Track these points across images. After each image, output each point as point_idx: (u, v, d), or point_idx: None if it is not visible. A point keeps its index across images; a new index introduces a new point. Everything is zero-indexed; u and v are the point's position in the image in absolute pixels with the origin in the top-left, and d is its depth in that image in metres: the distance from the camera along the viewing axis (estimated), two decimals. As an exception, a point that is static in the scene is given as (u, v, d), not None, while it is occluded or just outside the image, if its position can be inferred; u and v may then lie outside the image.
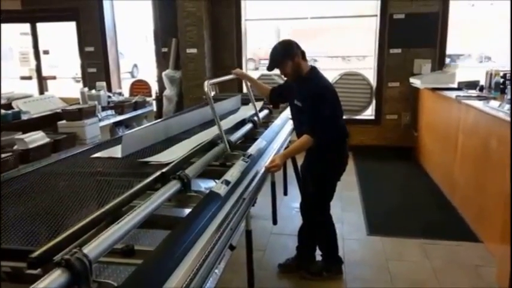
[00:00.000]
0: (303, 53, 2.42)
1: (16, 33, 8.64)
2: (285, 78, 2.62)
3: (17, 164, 2.78)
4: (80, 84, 6.70)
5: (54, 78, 7.34)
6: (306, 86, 2.41)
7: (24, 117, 4.04)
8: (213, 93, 4.55)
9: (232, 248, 2.12)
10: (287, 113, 3.47)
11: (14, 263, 1.08)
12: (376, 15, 5.63)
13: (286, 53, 2.38)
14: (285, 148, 2.72)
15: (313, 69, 2.47)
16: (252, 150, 2.16)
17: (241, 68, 6.05)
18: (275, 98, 2.84)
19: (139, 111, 5.21)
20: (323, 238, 2.77)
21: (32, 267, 0.94)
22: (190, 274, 1.08)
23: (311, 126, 2.36)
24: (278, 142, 2.67)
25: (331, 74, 5.79)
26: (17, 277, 1.08)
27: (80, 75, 6.93)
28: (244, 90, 6.00)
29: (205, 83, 2.16)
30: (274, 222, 3.23)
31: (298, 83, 2.47)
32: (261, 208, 3.10)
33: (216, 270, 1.65)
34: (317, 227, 2.73)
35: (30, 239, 1.19)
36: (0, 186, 1.63)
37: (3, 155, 2.71)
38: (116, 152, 2.12)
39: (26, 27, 7.03)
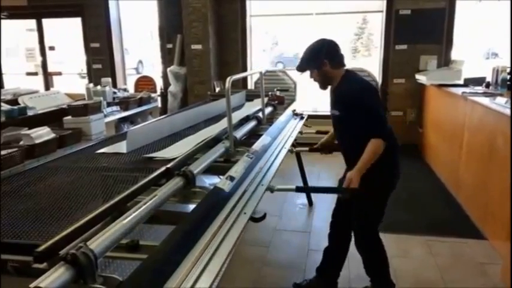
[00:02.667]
0: (338, 59, 2.18)
1: (22, 29, 8.67)
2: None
3: (23, 159, 2.80)
4: (86, 80, 6.72)
5: (59, 74, 7.38)
6: (342, 90, 2.18)
7: (30, 112, 4.06)
8: (218, 89, 4.56)
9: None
10: (291, 109, 3.47)
11: (21, 257, 1.09)
12: (382, 11, 5.59)
13: (310, 61, 2.18)
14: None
15: (346, 75, 2.20)
16: (257, 146, 2.16)
17: (246, 64, 6.05)
18: None
19: (144, 107, 5.22)
20: (375, 262, 2.38)
21: (38, 261, 0.95)
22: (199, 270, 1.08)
23: (375, 127, 2.06)
24: (282, 138, 2.67)
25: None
26: (24, 271, 1.09)
27: (85, 71, 6.96)
28: (249, 86, 6.02)
29: (228, 79, 2.08)
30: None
31: (332, 91, 2.25)
32: (265, 203, 3.10)
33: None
34: (370, 250, 2.36)
35: (36, 234, 1.20)
36: (4, 182, 1.64)
37: (9, 150, 2.73)
38: (121, 147, 2.13)
39: (32, 23, 7.05)
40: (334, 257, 2.54)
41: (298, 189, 2.01)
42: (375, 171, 2.06)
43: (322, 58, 2.14)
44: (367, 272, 2.42)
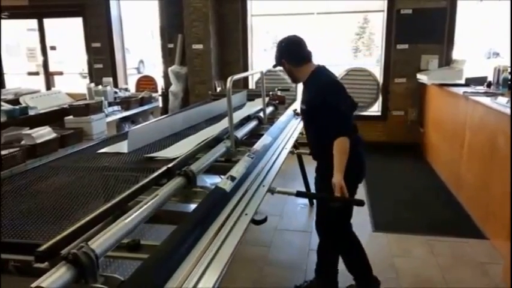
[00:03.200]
0: (300, 57, 2.22)
1: (23, 29, 8.67)
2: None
3: (25, 159, 2.80)
4: (87, 80, 6.73)
5: (61, 73, 7.38)
6: (307, 89, 2.27)
7: (31, 112, 4.06)
8: (219, 89, 4.56)
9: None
10: (292, 109, 3.47)
11: (22, 256, 1.09)
12: (383, 11, 5.59)
13: (276, 59, 2.28)
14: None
15: (316, 71, 2.23)
16: (258, 146, 2.16)
17: (247, 64, 6.05)
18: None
19: (145, 107, 5.22)
20: (353, 258, 2.40)
21: (39, 260, 0.95)
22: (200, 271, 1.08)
23: (337, 126, 2.08)
24: (283, 138, 2.67)
25: (338, 70, 5.78)
26: (25, 270, 1.09)
27: (86, 71, 6.96)
28: (250, 86, 6.02)
29: (229, 79, 2.09)
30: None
31: (304, 84, 2.30)
32: (266, 203, 3.10)
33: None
34: (343, 246, 2.39)
35: (37, 233, 1.20)
36: (5, 182, 1.65)
37: (11, 150, 2.74)
38: (122, 147, 2.13)
39: (33, 23, 7.06)
40: (326, 256, 2.51)
41: (298, 194, 2.01)
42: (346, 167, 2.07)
43: (280, 58, 2.24)
44: (349, 270, 2.42)
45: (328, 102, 2.10)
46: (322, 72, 2.25)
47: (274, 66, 2.33)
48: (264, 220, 1.55)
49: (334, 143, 2.05)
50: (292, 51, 2.23)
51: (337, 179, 2.02)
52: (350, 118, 2.17)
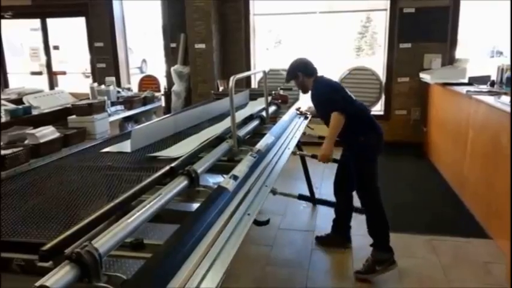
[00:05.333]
0: (310, 71, 2.82)
1: (26, 28, 8.71)
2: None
3: (28, 158, 2.81)
4: (90, 80, 6.75)
5: (64, 73, 7.40)
6: (312, 91, 2.85)
7: (34, 112, 4.08)
8: (221, 88, 4.56)
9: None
10: (295, 108, 3.46)
11: (26, 255, 1.10)
12: (386, 10, 5.57)
13: (298, 68, 2.84)
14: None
15: (316, 80, 2.81)
16: (260, 145, 2.16)
17: (249, 63, 6.05)
18: None
19: (148, 107, 5.23)
20: (375, 222, 2.72)
21: (43, 260, 0.96)
22: (203, 270, 1.08)
23: (331, 107, 2.59)
24: (286, 138, 2.67)
25: (340, 69, 5.77)
26: (29, 269, 1.10)
27: (89, 70, 6.98)
28: (253, 85, 6.02)
29: (232, 78, 2.12)
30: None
31: (311, 91, 2.88)
32: (269, 203, 3.11)
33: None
34: (372, 207, 2.73)
35: (41, 232, 1.21)
36: (9, 181, 1.65)
37: (14, 150, 2.75)
38: (125, 146, 2.14)
39: (36, 22, 7.08)
40: (341, 214, 3.08)
41: (300, 198, 2.07)
42: (359, 138, 2.64)
43: (297, 70, 2.84)
44: (370, 231, 2.73)
45: (325, 98, 2.74)
46: (320, 80, 2.83)
47: (287, 80, 2.95)
48: (267, 222, 1.56)
49: (331, 117, 2.58)
50: (307, 65, 2.85)
51: (325, 145, 2.61)
52: (340, 100, 2.64)
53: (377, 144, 2.71)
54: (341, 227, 3.10)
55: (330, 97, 2.68)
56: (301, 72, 2.82)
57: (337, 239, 3.08)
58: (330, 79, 2.90)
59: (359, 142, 2.66)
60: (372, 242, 2.72)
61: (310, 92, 2.86)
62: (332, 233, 3.13)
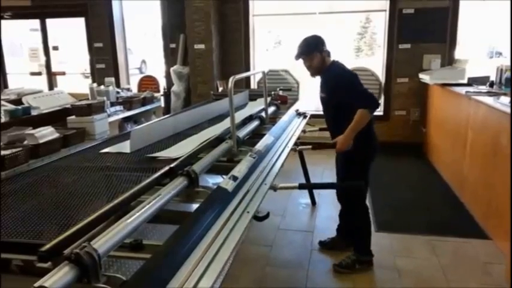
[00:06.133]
0: (328, 50, 2.63)
1: (26, 29, 8.70)
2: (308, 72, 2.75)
3: (27, 158, 2.81)
4: (89, 80, 6.74)
5: (63, 74, 7.40)
6: (330, 75, 2.63)
7: (34, 112, 4.07)
8: (221, 89, 4.57)
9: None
10: (294, 109, 3.47)
11: (25, 256, 1.10)
12: (385, 10, 5.58)
13: (316, 46, 2.59)
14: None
15: (334, 63, 2.65)
16: (260, 146, 2.16)
17: (248, 64, 6.05)
18: None
19: (147, 107, 5.23)
20: (359, 227, 2.79)
21: (42, 260, 0.95)
22: (202, 270, 1.08)
23: (360, 100, 2.48)
24: (285, 138, 2.67)
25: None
26: (28, 270, 1.10)
27: (88, 71, 6.98)
28: (252, 86, 6.02)
29: (231, 78, 2.12)
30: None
31: (322, 75, 2.68)
32: (268, 203, 3.10)
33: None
34: (355, 213, 2.78)
35: (40, 233, 1.21)
36: (8, 181, 1.65)
37: (13, 150, 2.74)
38: (125, 147, 2.13)
39: (36, 23, 7.08)
40: (346, 219, 3.00)
41: (301, 187, 2.07)
42: (356, 146, 2.54)
43: (315, 48, 2.59)
44: (354, 234, 2.82)
45: (352, 84, 2.53)
46: (340, 65, 2.66)
47: (299, 57, 2.64)
48: (266, 216, 1.55)
49: (358, 112, 2.45)
50: (324, 44, 2.62)
51: (345, 136, 2.50)
52: (371, 95, 2.52)
53: (372, 155, 2.73)
54: (346, 232, 3.05)
55: (353, 87, 2.52)
56: (320, 51, 2.59)
57: (341, 243, 3.04)
58: (349, 69, 2.76)
59: (361, 149, 2.60)
60: (354, 243, 2.82)
61: (323, 75, 2.67)
62: (337, 236, 3.10)
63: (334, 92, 2.62)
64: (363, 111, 2.46)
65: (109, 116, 4.20)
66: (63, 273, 0.88)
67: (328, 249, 3.04)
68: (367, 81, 5.73)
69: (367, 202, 3.81)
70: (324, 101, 2.76)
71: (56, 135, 3.17)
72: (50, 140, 3.07)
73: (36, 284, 0.83)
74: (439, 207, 3.81)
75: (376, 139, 2.72)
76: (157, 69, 7.44)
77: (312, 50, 2.59)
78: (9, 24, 7.04)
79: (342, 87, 2.56)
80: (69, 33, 8.19)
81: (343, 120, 2.52)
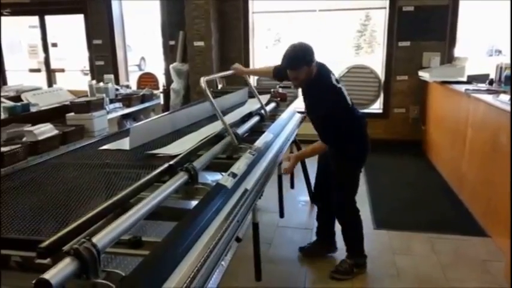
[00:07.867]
0: (315, 62, 2.45)
1: (25, 26, 8.69)
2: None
3: (26, 155, 2.80)
4: (88, 77, 6.74)
5: (62, 70, 7.39)
6: (312, 93, 2.53)
7: (33, 109, 4.06)
8: (220, 86, 4.55)
9: (238, 240, 2.13)
10: (294, 106, 3.47)
11: (24, 252, 1.10)
12: (385, 8, 5.57)
13: (304, 59, 2.38)
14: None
15: (320, 75, 2.47)
16: (259, 143, 2.16)
17: (248, 61, 6.05)
18: (279, 74, 2.81)
19: (146, 104, 5.21)
20: (351, 232, 2.73)
21: (41, 257, 0.95)
22: (197, 265, 1.09)
23: (323, 134, 2.52)
24: (285, 135, 2.67)
25: (339, 67, 5.76)
26: (27, 266, 1.09)
27: (88, 68, 6.97)
28: (252, 83, 6.01)
29: (202, 79, 2.14)
30: (281, 215, 3.21)
31: (304, 86, 2.54)
32: (267, 201, 3.11)
33: (223, 263, 1.65)
34: (348, 219, 2.71)
35: (39, 230, 1.21)
36: (7, 178, 1.65)
37: (12, 147, 2.74)
38: (124, 144, 2.13)
39: (35, 20, 7.06)
40: (324, 221, 2.95)
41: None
42: (348, 148, 2.54)
43: (309, 58, 2.38)
44: (346, 238, 2.75)
45: (320, 115, 2.47)
46: (323, 79, 2.48)
47: (285, 68, 2.46)
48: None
49: (317, 142, 2.54)
50: (313, 54, 2.40)
51: (293, 157, 2.60)
52: (334, 124, 2.48)
53: (364, 158, 2.66)
54: (325, 233, 2.96)
55: (322, 117, 2.46)
56: (308, 63, 2.38)
57: (322, 249, 2.95)
58: (329, 77, 2.54)
59: (352, 152, 2.58)
60: (347, 248, 2.75)
61: (305, 86, 2.52)
62: (317, 240, 3.00)
63: (311, 111, 2.57)
64: (321, 144, 2.51)
65: (108, 113, 4.18)
66: (62, 268, 0.88)
67: (310, 256, 2.92)
68: (366, 79, 5.74)
69: (366, 200, 3.86)
70: (307, 108, 2.67)
71: (55, 132, 3.16)
72: (49, 137, 3.06)
73: (35, 281, 0.83)
74: (438, 204, 3.82)
75: (368, 140, 2.65)
76: (156, 66, 7.43)
77: (300, 63, 2.37)
78: (8, 21, 7.02)
79: (318, 113, 2.49)
80: (69, 30, 8.17)
81: (330, 133, 2.52)
